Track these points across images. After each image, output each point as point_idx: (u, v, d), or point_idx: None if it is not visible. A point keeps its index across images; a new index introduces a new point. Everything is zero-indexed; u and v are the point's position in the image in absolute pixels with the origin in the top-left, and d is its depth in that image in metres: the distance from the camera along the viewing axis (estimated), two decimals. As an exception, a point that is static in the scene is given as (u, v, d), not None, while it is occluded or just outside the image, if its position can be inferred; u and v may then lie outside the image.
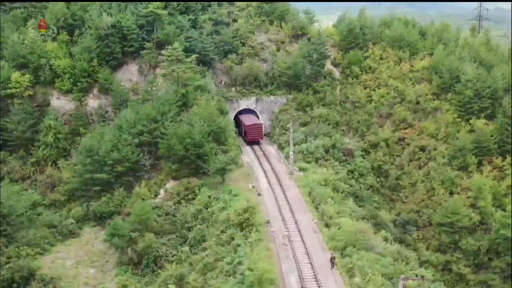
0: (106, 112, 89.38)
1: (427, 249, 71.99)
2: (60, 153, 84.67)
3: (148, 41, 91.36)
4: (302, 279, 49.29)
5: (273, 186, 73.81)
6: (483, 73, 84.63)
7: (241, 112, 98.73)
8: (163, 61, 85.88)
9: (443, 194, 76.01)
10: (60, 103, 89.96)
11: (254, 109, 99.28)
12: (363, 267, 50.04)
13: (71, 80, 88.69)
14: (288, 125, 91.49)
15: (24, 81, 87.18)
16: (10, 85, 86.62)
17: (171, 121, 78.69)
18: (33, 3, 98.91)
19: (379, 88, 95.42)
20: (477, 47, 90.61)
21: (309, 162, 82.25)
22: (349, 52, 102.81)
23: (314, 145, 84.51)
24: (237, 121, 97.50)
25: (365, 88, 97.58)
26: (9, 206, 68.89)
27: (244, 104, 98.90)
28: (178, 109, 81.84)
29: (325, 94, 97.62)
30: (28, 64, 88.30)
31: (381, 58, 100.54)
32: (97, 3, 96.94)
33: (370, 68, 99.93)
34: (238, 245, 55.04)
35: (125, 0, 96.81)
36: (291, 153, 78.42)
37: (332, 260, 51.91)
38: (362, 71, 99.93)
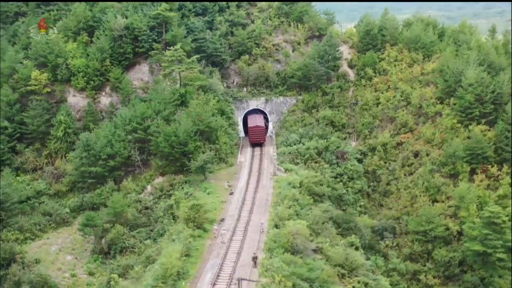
0: (117, 109, 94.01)
1: (398, 257, 69.97)
2: (69, 146, 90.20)
3: (158, 42, 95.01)
4: (217, 276, 50.58)
5: (249, 185, 75.04)
6: (486, 77, 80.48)
7: (250, 112, 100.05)
8: (164, 62, 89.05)
9: (424, 201, 73.49)
10: (76, 100, 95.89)
11: (263, 110, 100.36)
12: (280, 268, 50.28)
13: (85, 78, 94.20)
14: (292, 126, 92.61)
15: (43, 79, 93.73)
16: (30, 82, 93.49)
17: (161, 119, 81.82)
18: (61, 5, 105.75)
19: (387, 91, 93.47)
20: (488, 50, 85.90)
21: (297, 164, 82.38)
22: (365, 54, 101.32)
23: (306, 146, 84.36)
24: (245, 121, 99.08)
25: (376, 91, 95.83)
26: (4, 193, 75.00)
27: (253, 104, 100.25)
28: (174, 108, 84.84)
29: (333, 96, 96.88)
30: (47, 63, 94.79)
31: (396, 60, 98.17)
32: (117, 5, 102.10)
33: (384, 70, 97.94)
34: (173, 241, 57.05)
35: (141, 0, 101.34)
36: (273, 154, 79.14)
37: (254, 259, 52.77)
38: (375, 73, 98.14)
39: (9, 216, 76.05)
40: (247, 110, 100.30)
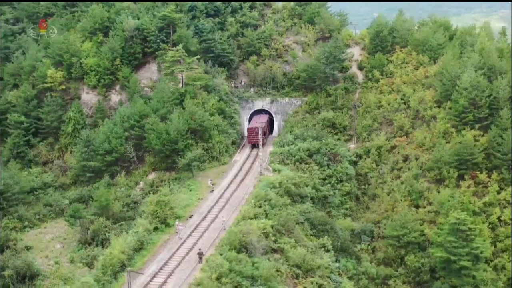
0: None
1: (371, 261, 69.49)
2: (78, 142, 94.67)
3: (166, 42, 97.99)
4: (160, 269, 52.68)
5: (232, 184, 76.59)
6: (482, 81, 78.24)
7: (255, 112, 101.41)
8: (166, 62, 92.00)
9: (404, 206, 72.55)
10: (89, 97, 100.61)
11: (268, 110, 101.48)
12: (219, 265, 51.72)
13: (96, 77, 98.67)
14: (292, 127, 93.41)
15: (58, 76, 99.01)
16: (46, 79, 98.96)
17: (157, 117, 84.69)
18: (82, 7, 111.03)
19: (390, 93, 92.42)
20: (489, 53, 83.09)
21: (287, 164, 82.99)
22: (374, 56, 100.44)
23: (297, 147, 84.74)
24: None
25: (381, 93, 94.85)
26: (5, 184, 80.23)
27: (259, 104, 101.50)
28: (171, 107, 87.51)
29: (337, 97, 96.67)
30: (63, 62, 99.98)
31: (403, 62, 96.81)
32: (133, 6, 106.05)
33: (391, 72, 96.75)
34: (128, 233, 59.63)
35: (154, 1, 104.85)
36: (260, 154, 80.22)
37: (199, 255, 54.48)
38: (382, 75, 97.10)
39: (10, 205, 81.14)
40: (253, 110, 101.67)
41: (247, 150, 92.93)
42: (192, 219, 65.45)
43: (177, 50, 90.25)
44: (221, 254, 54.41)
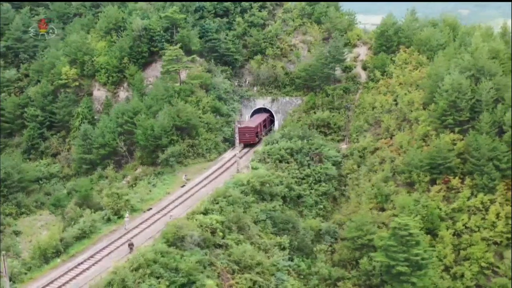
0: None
1: (327, 261, 69.31)
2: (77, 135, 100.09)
3: (171, 42, 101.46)
4: (91, 257, 55.94)
5: (205, 180, 78.68)
6: (464, 83, 75.56)
7: (256, 111, 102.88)
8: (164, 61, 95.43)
9: (367, 209, 71.79)
10: (100, 93, 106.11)
11: (269, 109, 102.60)
12: (142, 255, 54.18)
13: (106, 74, 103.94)
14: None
15: (71, 73, 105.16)
16: (61, 76, 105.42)
17: (149, 114, 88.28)
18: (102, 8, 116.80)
19: (385, 94, 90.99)
20: (480, 54, 79.69)
21: (267, 163, 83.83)
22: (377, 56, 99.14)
23: (278, 146, 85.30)
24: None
25: (379, 94, 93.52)
26: (6, 172, 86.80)
27: (260, 103, 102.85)
28: (163, 104, 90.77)
29: (333, 97, 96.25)
30: (77, 60, 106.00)
31: (405, 63, 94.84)
32: (146, 7, 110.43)
33: (392, 73, 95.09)
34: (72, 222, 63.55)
35: (164, 0, 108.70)
36: (236, 152, 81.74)
37: (130, 246, 57.22)
38: (384, 75, 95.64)
39: (10, 193, 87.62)
40: (254, 109, 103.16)
41: (239, 148, 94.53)
42: (150, 211, 68.17)
43: (175, 50, 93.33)
44: (153, 246, 56.74)
